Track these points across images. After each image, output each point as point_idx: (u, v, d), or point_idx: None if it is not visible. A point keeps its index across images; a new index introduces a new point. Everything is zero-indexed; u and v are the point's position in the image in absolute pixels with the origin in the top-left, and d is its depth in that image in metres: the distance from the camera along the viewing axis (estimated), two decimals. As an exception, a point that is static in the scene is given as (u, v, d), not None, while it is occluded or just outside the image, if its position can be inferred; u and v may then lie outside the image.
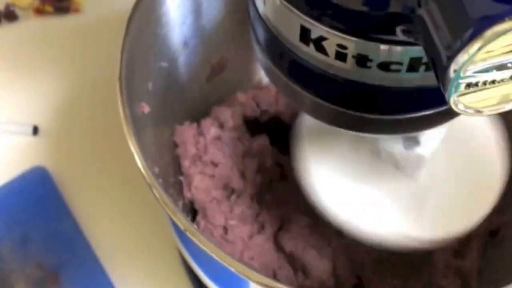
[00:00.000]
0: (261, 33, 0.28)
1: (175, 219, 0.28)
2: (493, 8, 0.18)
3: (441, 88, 0.20)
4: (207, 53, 0.43)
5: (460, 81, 0.19)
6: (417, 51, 0.23)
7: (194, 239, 0.28)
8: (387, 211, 0.35)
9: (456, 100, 0.20)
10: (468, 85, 0.20)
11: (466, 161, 0.36)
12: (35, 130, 0.51)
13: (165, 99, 0.39)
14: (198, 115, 0.43)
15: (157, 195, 0.29)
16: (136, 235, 0.47)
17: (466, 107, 0.20)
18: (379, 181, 0.35)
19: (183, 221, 0.28)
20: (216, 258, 0.27)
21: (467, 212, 0.35)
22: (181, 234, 0.33)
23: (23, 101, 0.53)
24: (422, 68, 0.24)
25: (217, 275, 0.33)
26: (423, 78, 0.24)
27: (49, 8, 0.58)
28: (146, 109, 0.36)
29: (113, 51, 0.55)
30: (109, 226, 0.47)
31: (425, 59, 0.23)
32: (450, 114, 0.27)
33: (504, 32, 0.18)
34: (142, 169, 0.30)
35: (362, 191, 0.35)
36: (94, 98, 0.53)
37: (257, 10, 0.27)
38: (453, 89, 0.20)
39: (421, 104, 0.26)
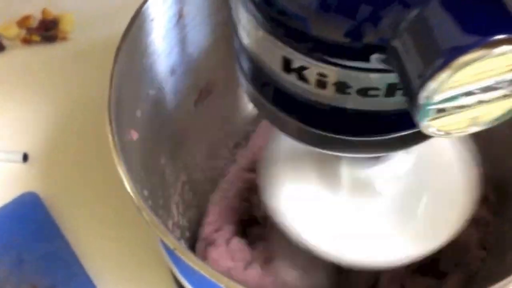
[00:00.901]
0: (245, 63, 0.29)
1: (165, 239, 0.30)
2: (461, 40, 0.20)
3: (412, 113, 0.22)
4: (194, 79, 0.44)
5: (431, 107, 0.21)
6: (394, 77, 0.25)
7: (184, 258, 0.29)
8: (355, 234, 0.36)
9: (427, 125, 0.22)
10: (438, 111, 0.21)
11: (436, 179, 0.37)
12: (25, 157, 0.52)
13: (153, 125, 0.40)
14: (185, 139, 0.44)
15: (147, 218, 0.31)
16: (127, 254, 0.48)
17: (437, 130, 0.22)
18: (346, 203, 0.36)
19: (172, 241, 0.30)
20: (208, 276, 0.28)
21: (440, 228, 0.35)
22: (172, 254, 0.34)
23: (12, 129, 0.55)
24: (399, 93, 0.25)
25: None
26: (401, 102, 0.26)
27: (36, 37, 0.59)
28: (135, 135, 0.37)
29: (101, 78, 0.56)
30: (100, 246, 0.48)
31: (401, 85, 0.25)
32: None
33: (471, 62, 0.20)
34: (131, 194, 0.31)
35: (328, 215, 0.36)
36: (82, 124, 0.55)
37: (240, 42, 0.29)
38: (423, 115, 0.21)
39: (399, 125, 0.27)
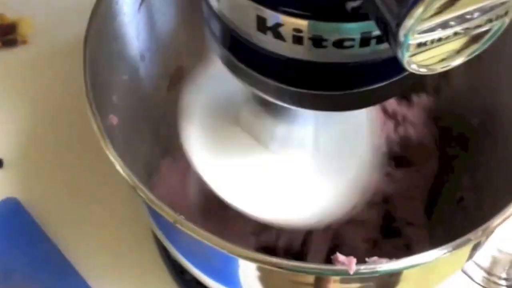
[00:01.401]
0: (217, 28, 0.29)
1: (164, 214, 0.30)
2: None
3: (395, 53, 0.22)
4: (164, 64, 0.44)
5: (410, 42, 0.21)
6: (367, 25, 0.25)
7: (185, 229, 0.29)
8: (273, 191, 0.37)
9: (409, 61, 0.22)
10: (418, 45, 0.22)
11: (342, 141, 0.39)
12: (0, 163, 0.52)
13: (130, 110, 0.40)
14: (163, 124, 0.44)
15: (143, 196, 0.31)
16: (118, 250, 0.48)
17: (419, 66, 0.22)
18: (245, 150, 0.37)
19: (171, 214, 0.30)
20: (209, 243, 0.29)
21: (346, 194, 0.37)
22: (169, 231, 0.34)
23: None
24: (373, 42, 0.26)
25: (208, 264, 0.34)
26: (375, 51, 0.27)
27: (-5, 43, 0.59)
28: (115, 120, 0.37)
29: (66, 79, 0.56)
30: (88, 245, 0.48)
31: (375, 33, 0.25)
32: (404, 83, 0.29)
33: (444, -7, 0.20)
34: (125, 175, 0.31)
35: (246, 172, 0.37)
36: (53, 126, 0.54)
37: (211, 8, 0.29)
38: (404, 51, 0.22)
39: (376, 76, 0.28)
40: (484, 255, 0.37)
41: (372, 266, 0.28)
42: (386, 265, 0.29)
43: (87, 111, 0.33)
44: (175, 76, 0.46)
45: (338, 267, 0.29)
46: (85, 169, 0.51)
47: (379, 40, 0.26)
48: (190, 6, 0.43)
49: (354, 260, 0.29)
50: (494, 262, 0.37)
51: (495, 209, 0.31)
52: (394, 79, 0.28)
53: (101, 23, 0.36)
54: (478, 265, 0.37)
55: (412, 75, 0.25)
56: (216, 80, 0.38)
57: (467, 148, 0.43)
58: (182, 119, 0.38)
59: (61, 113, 0.55)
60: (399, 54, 0.22)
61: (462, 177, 0.42)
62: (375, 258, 0.29)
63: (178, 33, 0.44)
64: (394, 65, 0.27)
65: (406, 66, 0.22)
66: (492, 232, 0.30)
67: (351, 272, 0.28)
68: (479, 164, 0.41)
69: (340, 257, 0.29)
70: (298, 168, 0.38)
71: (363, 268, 0.28)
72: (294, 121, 0.35)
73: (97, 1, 0.36)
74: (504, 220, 0.30)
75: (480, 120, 0.42)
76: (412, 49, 0.22)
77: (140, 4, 0.40)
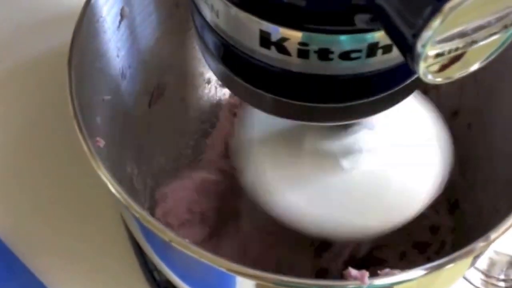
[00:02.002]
0: (213, 43, 0.29)
1: (160, 234, 0.29)
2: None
3: (410, 64, 0.22)
4: (144, 81, 0.43)
5: (429, 53, 0.21)
6: (374, 36, 0.25)
7: (183, 249, 0.28)
8: (330, 205, 0.36)
9: (425, 72, 0.22)
10: (436, 56, 0.21)
11: (404, 151, 0.38)
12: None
13: (114, 132, 0.39)
14: (145, 143, 0.43)
15: (137, 215, 0.30)
16: (98, 277, 0.46)
17: (435, 75, 0.22)
18: (320, 176, 0.37)
19: (168, 234, 0.29)
20: (209, 262, 0.28)
21: (408, 202, 0.36)
22: (163, 250, 0.33)
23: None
24: (380, 52, 0.26)
25: (204, 283, 0.34)
26: (381, 61, 0.26)
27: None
28: (101, 143, 0.35)
29: (38, 98, 0.54)
30: (67, 272, 0.46)
31: (382, 44, 0.25)
32: (408, 91, 0.29)
33: (460, 4, 0.20)
34: (117, 194, 0.30)
35: (304, 188, 0.36)
36: (26, 151, 0.52)
37: (205, 22, 0.28)
38: (421, 62, 0.21)
39: (382, 86, 0.28)
40: (481, 258, 0.37)
41: (385, 279, 0.28)
42: (398, 277, 0.28)
43: (78, 134, 0.31)
44: (156, 93, 0.45)
45: (349, 282, 0.28)
46: (61, 197, 0.49)
47: (386, 50, 0.25)
48: (170, 19, 0.42)
49: (366, 273, 0.28)
50: (492, 263, 0.38)
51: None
52: (402, 85, 0.28)
53: (83, 42, 0.35)
54: (476, 268, 0.37)
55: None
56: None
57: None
58: (240, 158, 0.37)
59: (36, 137, 0.53)
60: (415, 66, 0.22)
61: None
62: (387, 270, 0.29)
63: (158, 48, 0.43)
64: (402, 71, 0.27)
65: (422, 76, 0.22)
66: (494, 241, 0.30)
67: (365, 287, 0.28)
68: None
69: (353, 271, 0.28)
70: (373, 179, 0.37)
71: (376, 281, 0.28)
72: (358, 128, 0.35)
73: (79, 20, 0.35)
74: (506, 230, 0.30)
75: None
76: (429, 60, 0.21)
77: (120, 21, 0.39)
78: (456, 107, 0.44)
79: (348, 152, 0.36)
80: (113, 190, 0.30)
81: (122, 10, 0.39)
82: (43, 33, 0.58)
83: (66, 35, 0.50)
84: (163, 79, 0.44)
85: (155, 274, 0.45)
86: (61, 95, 0.52)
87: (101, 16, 0.37)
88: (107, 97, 0.38)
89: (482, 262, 0.38)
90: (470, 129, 0.43)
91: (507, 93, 0.40)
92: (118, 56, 0.40)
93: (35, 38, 0.57)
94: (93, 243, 0.47)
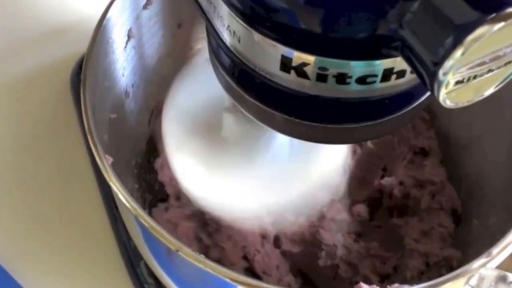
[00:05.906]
0: (229, 63, 0.30)
1: (165, 241, 0.30)
2: (470, 16, 0.22)
3: (431, 90, 0.23)
4: (146, 99, 0.44)
5: (450, 80, 0.23)
6: (389, 62, 0.26)
7: (189, 259, 0.29)
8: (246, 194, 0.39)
9: (445, 97, 0.23)
10: (456, 83, 0.23)
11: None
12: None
13: (118, 150, 0.40)
14: (146, 160, 0.44)
15: (146, 224, 0.30)
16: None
17: (455, 102, 0.24)
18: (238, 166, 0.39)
19: (173, 242, 0.29)
20: (213, 272, 0.29)
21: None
22: (167, 260, 0.34)
23: None
24: (394, 77, 0.27)
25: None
26: (392, 86, 0.28)
27: None
28: (110, 160, 0.36)
29: (32, 113, 0.54)
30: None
31: (396, 69, 0.27)
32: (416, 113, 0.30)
33: (482, 36, 0.22)
34: (127, 204, 0.31)
35: (221, 177, 0.39)
36: (16, 171, 0.52)
37: (225, 45, 0.29)
38: (442, 89, 0.23)
39: (393, 107, 0.29)
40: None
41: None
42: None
43: (93, 152, 0.32)
44: (155, 109, 0.45)
45: (360, 296, 0.30)
46: (52, 214, 0.50)
47: (400, 75, 0.27)
48: (173, 39, 0.43)
49: (375, 288, 0.29)
50: (481, 278, 0.39)
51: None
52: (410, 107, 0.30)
53: (94, 63, 0.36)
54: (467, 284, 0.39)
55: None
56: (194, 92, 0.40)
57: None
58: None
59: (22, 156, 0.53)
60: (436, 92, 0.23)
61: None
62: (396, 285, 0.30)
63: (159, 67, 0.44)
64: (410, 95, 0.29)
65: (442, 102, 0.24)
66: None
67: (376, 301, 0.29)
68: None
69: (364, 286, 0.29)
70: (275, 172, 0.39)
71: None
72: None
73: (91, 41, 0.35)
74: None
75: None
76: (450, 87, 0.23)
77: (127, 41, 0.39)
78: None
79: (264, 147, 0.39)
80: (122, 199, 0.31)
81: (129, 31, 0.39)
82: (41, 47, 0.58)
83: (64, 49, 0.51)
84: (163, 97, 0.45)
85: (146, 287, 0.45)
86: (58, 109, 0.53)
87: (111, 37, 0.37)
88: (113, 115, 0.39)
89: (472, 278, 0.39)
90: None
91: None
92: (123, 75, 0.40)
93: (33, 52, 0.57)
94: (82, 256, 0.47)
